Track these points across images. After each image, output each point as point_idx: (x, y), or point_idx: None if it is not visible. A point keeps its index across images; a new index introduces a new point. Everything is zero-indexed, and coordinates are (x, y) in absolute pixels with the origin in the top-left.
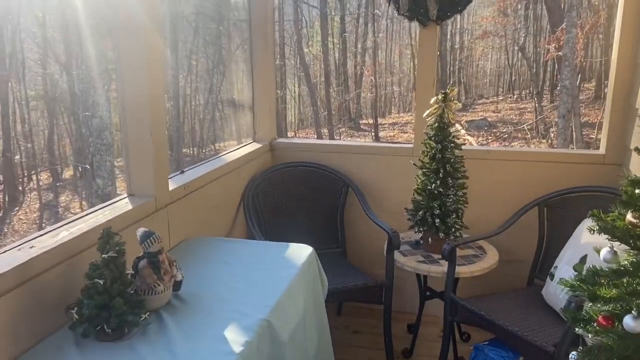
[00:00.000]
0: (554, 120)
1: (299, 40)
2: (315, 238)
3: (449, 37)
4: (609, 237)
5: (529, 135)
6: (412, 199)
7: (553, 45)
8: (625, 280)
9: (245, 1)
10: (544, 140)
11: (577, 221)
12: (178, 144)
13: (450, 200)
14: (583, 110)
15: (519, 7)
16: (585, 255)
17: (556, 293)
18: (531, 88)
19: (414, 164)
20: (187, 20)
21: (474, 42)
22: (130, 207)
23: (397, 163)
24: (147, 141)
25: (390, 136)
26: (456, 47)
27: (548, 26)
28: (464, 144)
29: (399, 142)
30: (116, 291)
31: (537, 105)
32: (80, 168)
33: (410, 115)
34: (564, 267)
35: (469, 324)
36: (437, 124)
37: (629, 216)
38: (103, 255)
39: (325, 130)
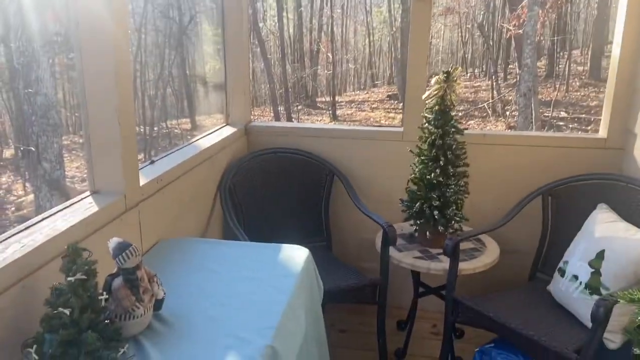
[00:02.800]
0: (512, 98)
1: (255, 14)
2: (298, 231)
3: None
4: None
5: (487, 114)
6: (407, 188)
7: (513, 23)
8: None
9: None
10: (501, 119)
11: (582, 211)
12: None
13: (451, 190)
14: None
15: None
16: (603, 251)
17: (569, 291)
18: (484, 66)
19: (410, 150)
20: None
21: (434, 19)
22: (95, 208)
23: (386, 148)
24: (115, 129)
25: (348, 114)
26: None
27: (501, 4)
28: (466, 129)
29: (387, 126)
30: (87, 322)
31: (494, 83)
32: (22, 149)
33: (367, 93)
34: (577, 263)
35: (473, 326)
36: (437, 107)
37: None
38: (69, 279)
39: (282, 108)
